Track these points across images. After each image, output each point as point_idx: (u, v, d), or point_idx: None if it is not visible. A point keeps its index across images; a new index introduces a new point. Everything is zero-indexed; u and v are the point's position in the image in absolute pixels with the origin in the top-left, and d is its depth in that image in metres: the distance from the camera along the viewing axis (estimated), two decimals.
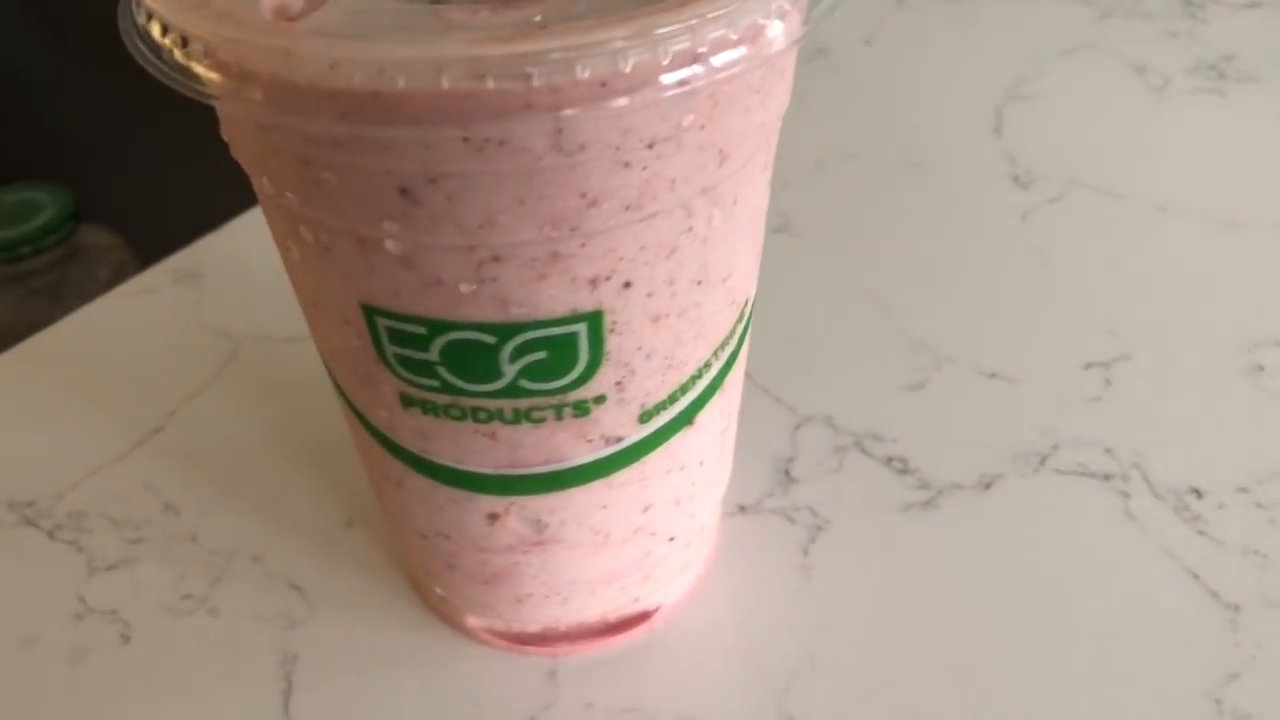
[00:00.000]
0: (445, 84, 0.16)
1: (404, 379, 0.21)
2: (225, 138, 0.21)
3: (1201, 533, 0.30)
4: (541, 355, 0.20)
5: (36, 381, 0.36)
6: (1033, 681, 0.27)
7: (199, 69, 0.18)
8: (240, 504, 0.32)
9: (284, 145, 0.18)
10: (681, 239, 0.20)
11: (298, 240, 0.20)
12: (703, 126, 0.19)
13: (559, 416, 0.22)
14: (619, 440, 0.23)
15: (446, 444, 0.22)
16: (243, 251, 0.42)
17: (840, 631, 0.28)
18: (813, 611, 0.28)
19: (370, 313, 0.20)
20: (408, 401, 0.22)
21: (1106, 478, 0.31)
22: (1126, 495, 0.31)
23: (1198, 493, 0.31)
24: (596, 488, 0.23)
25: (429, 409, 0.22)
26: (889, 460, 0.32)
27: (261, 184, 0.20)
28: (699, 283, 0.21)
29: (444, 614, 0.28)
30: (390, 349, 0.21)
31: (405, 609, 0.29)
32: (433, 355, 0.20)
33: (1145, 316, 0.37)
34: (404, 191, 0.18)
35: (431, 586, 0.28)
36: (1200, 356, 0.35)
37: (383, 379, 0.22)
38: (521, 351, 0.20)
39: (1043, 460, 0.32)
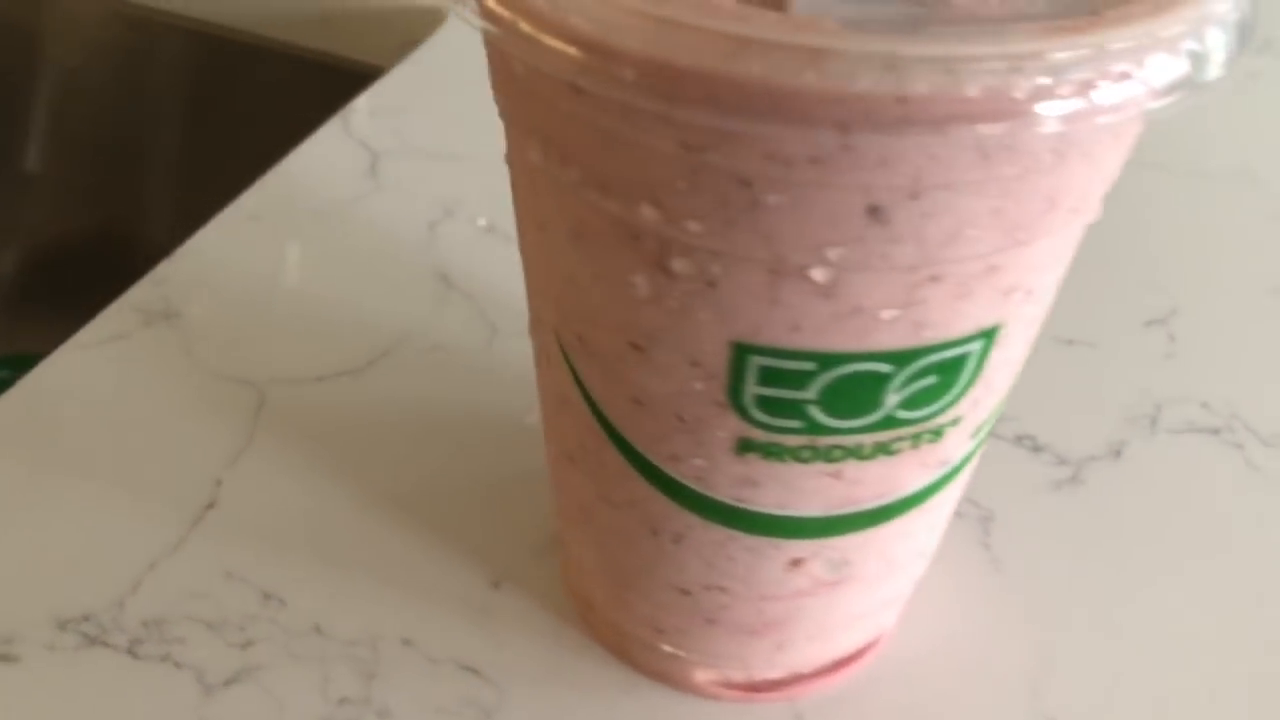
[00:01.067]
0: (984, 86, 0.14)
1: (756, 423, 0.18)
2: (539, 156, 0.17)
3: None
4: (930, 381, 0.18)
5: (23, 462, 0.30)
6: (1244, 635, 0.27)
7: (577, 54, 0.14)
8: (350, 579, 0.27)
9: (718, 167, 0.15)
10: (1074, 243, 0.18)
11: (658, 273, 0.17)
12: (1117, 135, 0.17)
13: (915, 445, 0.19)
14: (947, 463, 0.21)
15: (776, 489, 0.20)
16: (214, 279, 0.36)
17: (1059, 619, 0.27)
18: (1018, 604, 0.27)
19: (743, 352, 0.17)
20: (746, 447, 0.19)
21: (1215, 432, 0.32)
22: (1240, 446, 0.32)
23: None
24: (911, 515, 0.21)
25: (772, 453, 0.19)
26: (1019, 439, 0.32)
27: (610, 208, 0.17)
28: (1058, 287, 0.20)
29: (660, 671, 0.25)
30: (752, 391, 0.18)
31: (606, 671, 0.26)
32: (809, 394, 0.18)
33: (1182, 270, 0.38)
34: (873, 211, 0.15)
35: (657, 644, 0.25)
36: (1238, 301, 0.37)
37: (719, 425, 0.19)
38: (912, 379, 0.18)
39: (1153, 421, 0.33)
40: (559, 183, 0.18)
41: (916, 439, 0.19)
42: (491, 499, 0.29)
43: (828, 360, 0.17)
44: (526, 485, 0.29)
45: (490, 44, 0.18)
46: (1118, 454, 0.31)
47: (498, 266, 0.36)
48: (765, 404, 0.18)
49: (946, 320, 0.17)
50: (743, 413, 0.18)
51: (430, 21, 0.52)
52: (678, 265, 0.17)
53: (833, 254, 0.16)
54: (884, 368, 0.18)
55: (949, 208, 0.15)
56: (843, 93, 0.14)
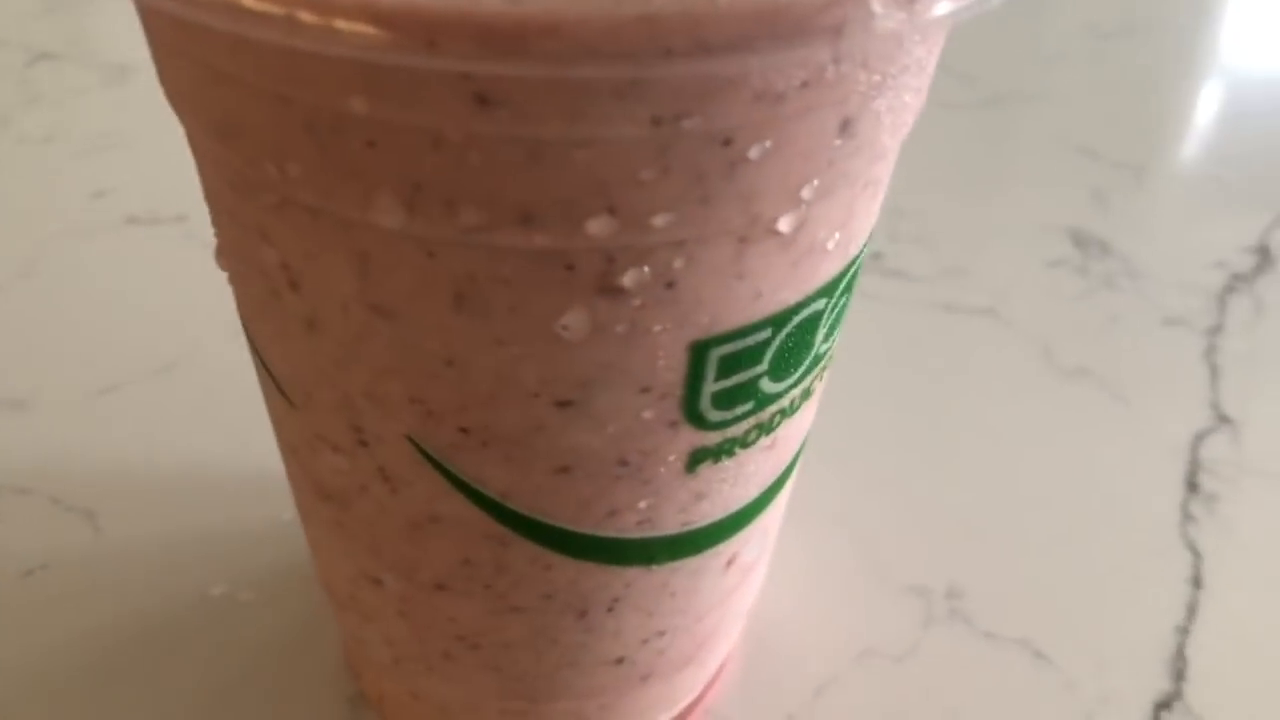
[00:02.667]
0: None
1: (710, 425, 0.16)
2: (394, 214, 0.13)
3: None
4: (844, 301, 0.17)
5: None
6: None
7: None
8: None
9: (695, 133, 0.12)
10: None
11: (600, 301, 0.14)
12: None
13: (820, 378, 0.18)
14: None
15: (724, 491, 0.17)
16: None
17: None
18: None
19: (702, 349, 0.15)
20: (698, 459, 0.16)
21: None
22: None
23: None
24: (801, 456, 0.20)
25: (724, 451, 0.16)
26: None
27: (534, 243, 0.13)
28: None
29: None
30: (709, 391, 0.15)
31: None
32: (763, 366, 0.16)
33: None
34: (844, 125, 0.13)
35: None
36: None
37: (670, 448, 0.16)
38: (836, 307, 0.16)
39: None
40: (431, 241, 0.13)
41: (823, 370, 0.18)
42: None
43: (781, 319, 0.15)
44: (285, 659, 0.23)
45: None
46: None
47: None
48: (721, 399, 0.16)
49: (864, 228, 0.16)
50: (698, 421, 0.16)
51: None
52: (629, 280, 0.13)
53: (805, 191, 0.14)
54: (820, 304, 0.16)
55: (899, 95, 0.14)
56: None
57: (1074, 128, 0.44)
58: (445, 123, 0.12)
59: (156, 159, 0.38)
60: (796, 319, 0.15)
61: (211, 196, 0.16)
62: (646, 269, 0.13)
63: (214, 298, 0.32)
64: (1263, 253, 0.38)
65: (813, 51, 0.12)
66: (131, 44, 0.45)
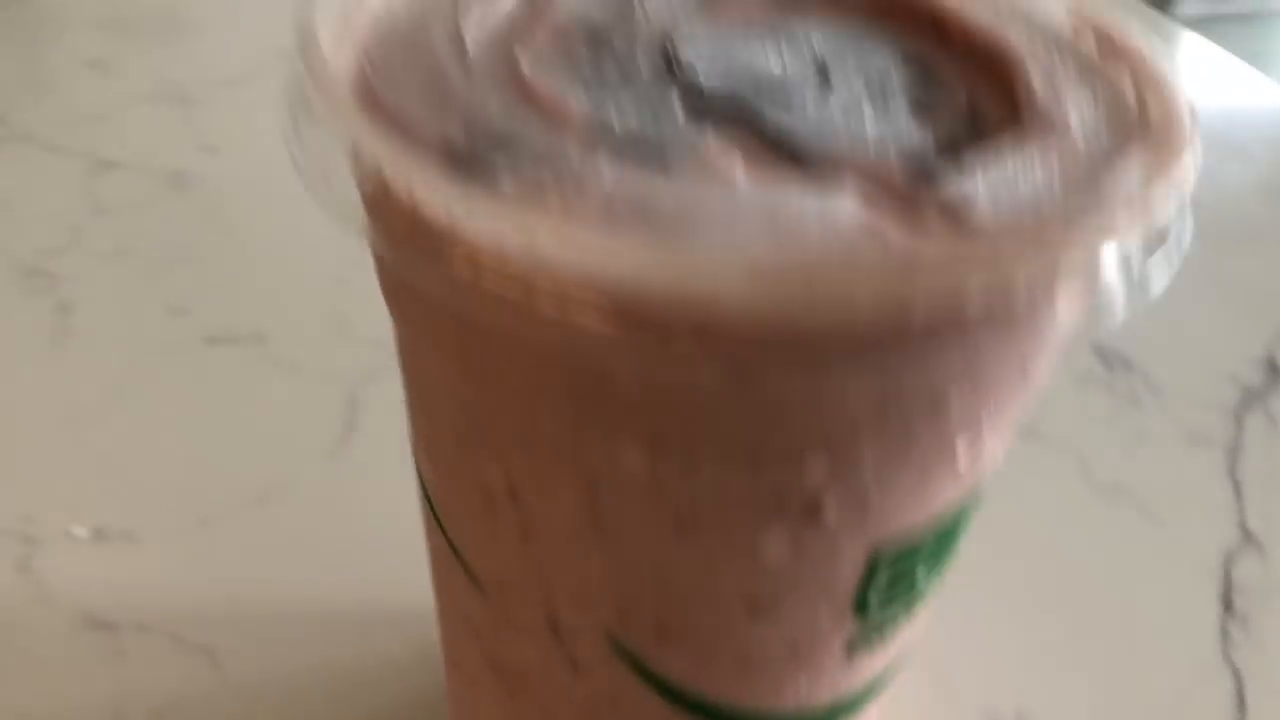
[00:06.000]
0: None
1: (872, 617, 0.18)
2: (643, 462, 0.14)
3: None
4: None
5: None
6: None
7: None
8: None
9: (907, 388, 0.14)
10: None
11: (802, 528, 0.15)
12: None
13: None
14: None
15: (872, 662, 0.19)
16: None
17: None
18: None
19: (879, 553, 0.17)
20: (855, 646, 0.18)
21: None
22: None
23: None
24: None
25: (876, 635, 0.18)
26: None
27: (760, 481, 0.15)
28: None
29: None
30: (879, 588, 0.17)
31: None
32: (923, 560, 0.18)
33: None
34: (1022, 368, 0.15)
35: None
36: None
37: (836, 636, 0.18)
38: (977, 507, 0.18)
39: None
40: (665, 483, 0.15)
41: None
42: None
43: (945, 522, 0.17)
44: None
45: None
46: None
47: None
48: (885, 594, 0.17)
49: (1008, 439, 0.18)
50: (863, 614, 0.17)
51: None
52: (830, 505, 0.15)
53: (985, 416, 0.16)
54: (970, 504, 0.18)
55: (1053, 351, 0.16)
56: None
57: None
58: (698, 382, 0.14)
59: (226, 275, 0.39)
60: (956, 520, 0.17)
61: (424, 401, 0.18)
62: (846, 493, 0.15)
63: (297, 424, 0.34)
64: (1270, 366, 0.41)
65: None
66: (184, 151, 0.46)
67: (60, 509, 0.31)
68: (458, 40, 0.16)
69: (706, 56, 0.17)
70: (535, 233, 0.12)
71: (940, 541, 0.18)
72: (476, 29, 0.16)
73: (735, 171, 0.14)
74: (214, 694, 0.26)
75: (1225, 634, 0.31)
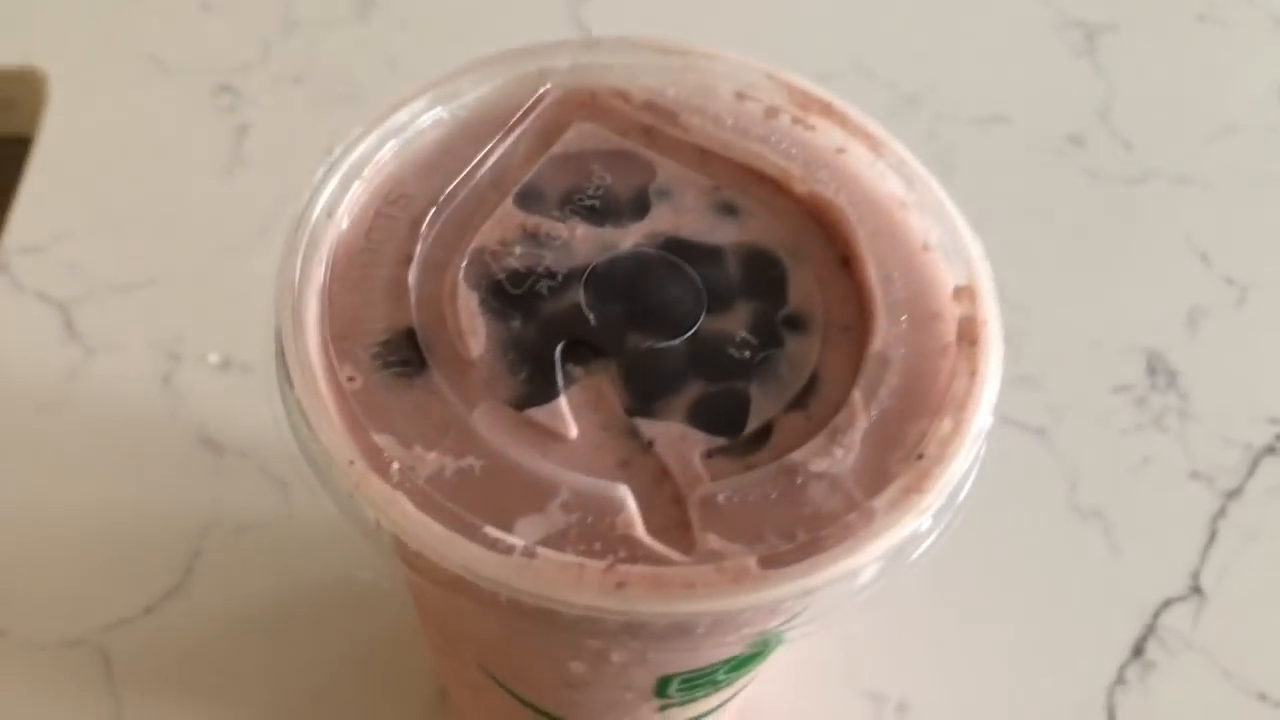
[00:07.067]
0: None
1: (676, 700, 0.23)
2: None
3: None
4: None
5: None
6: None
7: None
8: None
9: None
10: None
11: (599, 662, 0.21)
12: None
13: None
14: None
15: (706, 706, 0.25)
16: None
17: None
18: None
19: (666, 680, 0.22)
20: (665, 707, 0.24)
21: None
22: None
23: None
24: None
25: (689, 701, 0.24)
26: None
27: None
28: None
29: None
30: (675, 689, 0.23)
31: None
32: (719, 673, 0.23)
33: None
34: None
35: None
36: None
37: (645, 707, 0.24)
38: None
39: None
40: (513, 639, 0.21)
41: None
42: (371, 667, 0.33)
43: (736, 659, 0.22)
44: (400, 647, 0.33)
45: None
46: None
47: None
48: (685, 693, 0.23)
49: None
50: (665, 698, 0.23)
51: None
52: (615, 658, 0.21)
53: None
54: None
55: None
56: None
57: (1205, 224, 0.45)
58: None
59: None
60: (753, 655, 0.23)
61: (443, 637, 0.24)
62: (626, 653, 0.21)
63: None
64: None
65: None
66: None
67: (204, 333, 0.38)
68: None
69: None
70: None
71: (737, 664, 0.23)
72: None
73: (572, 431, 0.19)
74: (282, 522, 0.35)
75: (1121, 679, 0.35)
